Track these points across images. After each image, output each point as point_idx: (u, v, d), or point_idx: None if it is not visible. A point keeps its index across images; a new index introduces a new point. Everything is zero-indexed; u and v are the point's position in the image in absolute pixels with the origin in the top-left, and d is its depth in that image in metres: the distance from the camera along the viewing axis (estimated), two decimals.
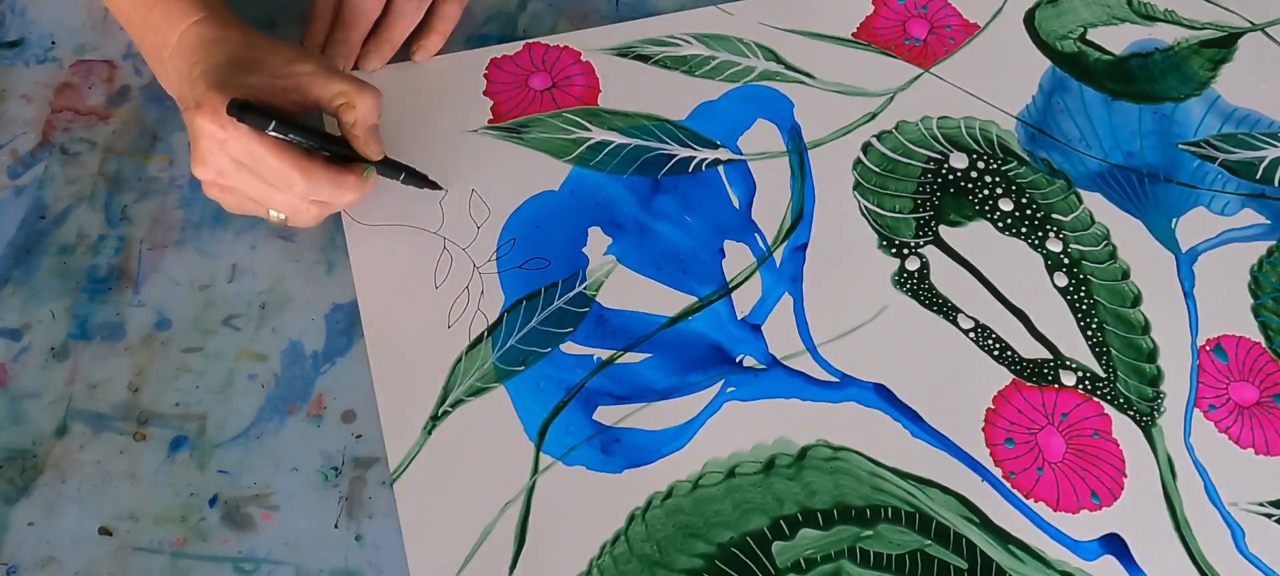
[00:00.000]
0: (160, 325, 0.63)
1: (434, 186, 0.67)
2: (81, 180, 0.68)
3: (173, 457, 0.60)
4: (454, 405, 0.61)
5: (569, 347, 0.63)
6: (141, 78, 0.72)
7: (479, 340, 0.63)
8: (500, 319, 0.64)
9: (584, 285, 0.65)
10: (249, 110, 0.57)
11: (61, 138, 0.70)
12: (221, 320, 0.64)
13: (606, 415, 0.61)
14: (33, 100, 0.71)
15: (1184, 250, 0.68)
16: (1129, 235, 0.68)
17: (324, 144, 0.62)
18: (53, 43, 0.74)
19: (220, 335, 0.63)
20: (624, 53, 0.74)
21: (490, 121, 0.71)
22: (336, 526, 0.58)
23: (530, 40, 0.75)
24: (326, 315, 0.64)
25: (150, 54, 0.66)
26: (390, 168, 0.65)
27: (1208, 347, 0.65)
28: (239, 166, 0.59)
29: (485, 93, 0.72)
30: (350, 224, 0.67)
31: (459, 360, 0.63)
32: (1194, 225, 0.69)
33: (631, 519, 0.58)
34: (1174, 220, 0.69)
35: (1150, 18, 0.78)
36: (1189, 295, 0.66)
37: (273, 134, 0.58)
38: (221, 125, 0.57)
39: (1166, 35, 0.77)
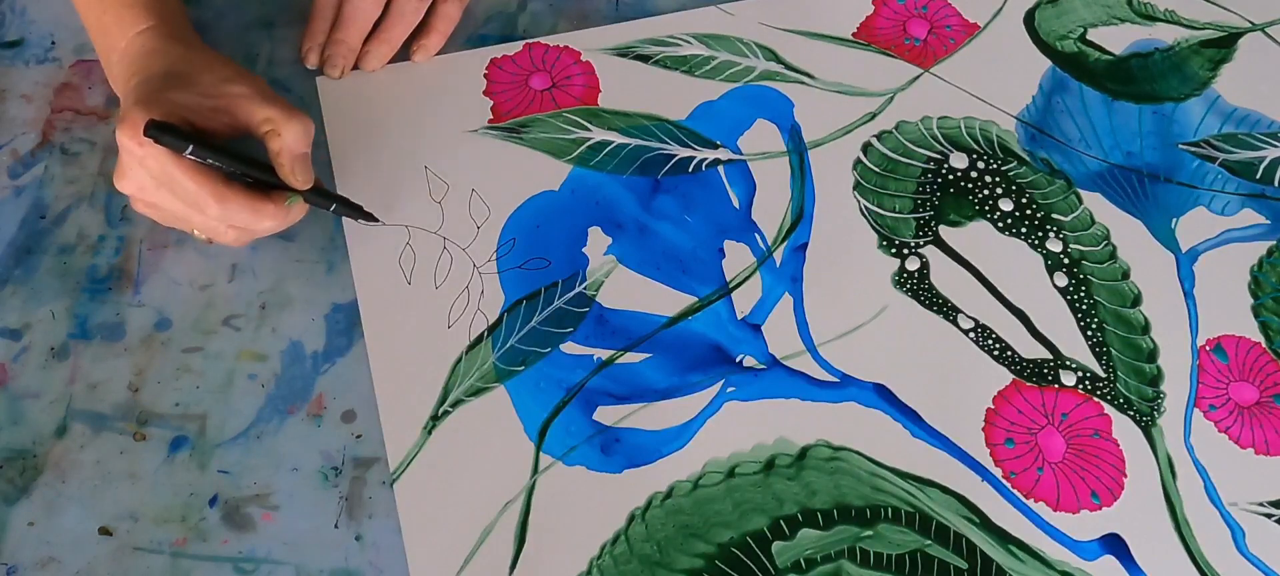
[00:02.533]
0: (160, 325, 0.63)
1: (370, 218, 0.66)
2: (81, 180, 0.68)
3: (173, 457, 0.59)
4: (454, 405, 0.61)
5: (569, 347, 0.63)
6: None
7: (479, 340, 0.63)
8: (500, 319, 0.64)
9: (584, 285, 0.65)
10: (166, 131, 0.56)
11: (61, 138, 0.70)
12: (221, 320, 0.64)
13: (606, 415, 0.61)
14: (33, 100, 0.71)
15: (1184, 250, 0.68)
16: (1129, 235, 0.68)
17: (250, 170, 0.61)
18: (53, 43, 0.74)
19: (220, 335, 0.63)
20: (624, 53, 0.74)
21: (490, 121, 0.71)
22: (336, 526, 0.58)
23: (530, 40, 0.75)
24: (326, 315, 0.64)
25: (102, 57, 0.66)
26: (320, 197, 0.63)
27: (1208, 347, 0.65)
28: (158, 185, 0.59)
29: (485, 93, 0.72)
30: (350, 224, 0.67)
31: (459, 360, 0.63)
32: (1194, 225, 0.69)
33: (631, 519, 0.58)
34: (1174, 220, 0.69)
35: (1150, 18, 0.78)
36: (1189, 295, 0.66)
37: (189, 157, 0.57)
38: (139, 143, 0.57)
39: (1166, 35, 0.77)
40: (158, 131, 0.55)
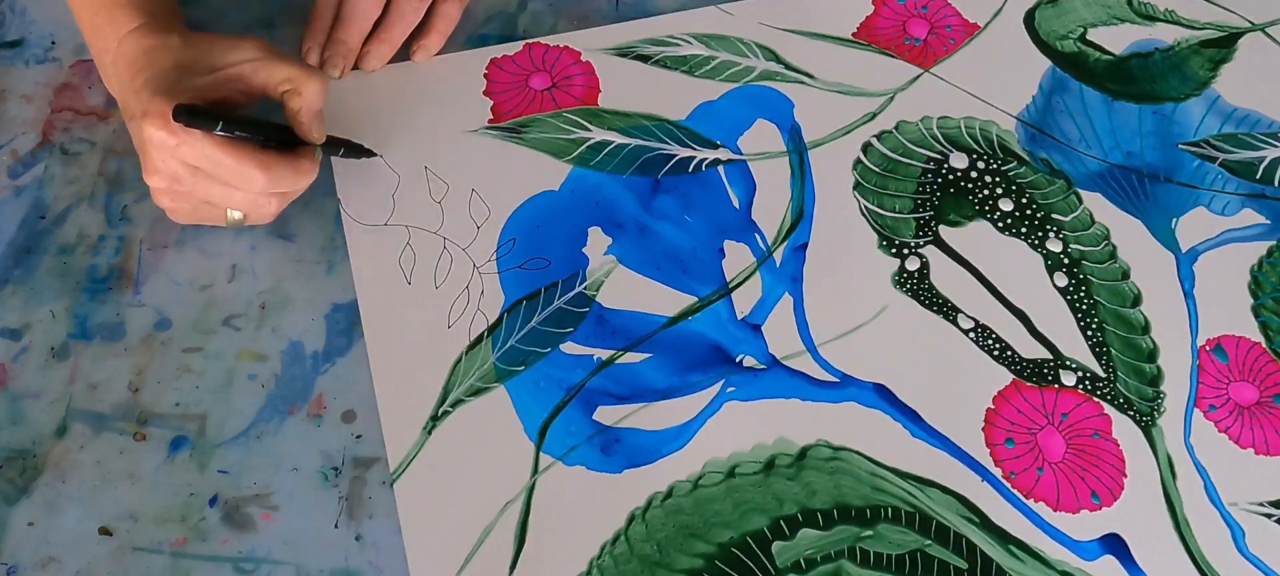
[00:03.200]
0: (160, 325, 0.63)
1: (370, 153, 0.68)
2: (81, 180, 0.68)
3: (173, 457, 0.59)
4: (454, 405, 0.61)
5: (569, 347, 0.63)
6: None
7: (479, 340, 0.63)
8: (500, 319, 0.64)
9: (584, 285, 0.65)
10: (196, 114, 0.56)
11: (61, 138, 0.70)
12: (221, 320, 0.64)
13: (606, 415, 0.61)
14: (33, 100, 0.71)
15: (1184, 250, 0.68)
16: (1129, 235, 0.68)
17: (268, 133, 0.62)
18: (53, 43, 0.74)
19: (220, 335, 0.63)
20: (624, 53, 0.74)
21: (490, 121, 0.71)
22: (336, 526, 0.58)
23: (530, 40, 0.75)
24: (326, 315, 0.64)
25: (97, 58, 0.66)
26: (331, 145, 0.66)
27: (1208, 347, 0.65)
28: (194, 171, 0.59)
29: (485, 92, 0.72)
30: (350, 224, 0.67)
31: (459, 360, 0.63)
32: (1194, 225, 0.69)
33: (631, 519, 0.58)
34: (1174, 220, 0.69)
35: (1150, 18, 0.78)
36: (1189, 295, 0.66)
37: (221, 133, 0.58)
38: (172, 132, 0.57)
39: (1166, 35, 0.77)
40: (188, 115, 0.56)
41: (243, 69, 0.61)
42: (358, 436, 0.61)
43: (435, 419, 0.61)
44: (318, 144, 0.63)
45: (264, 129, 0.61)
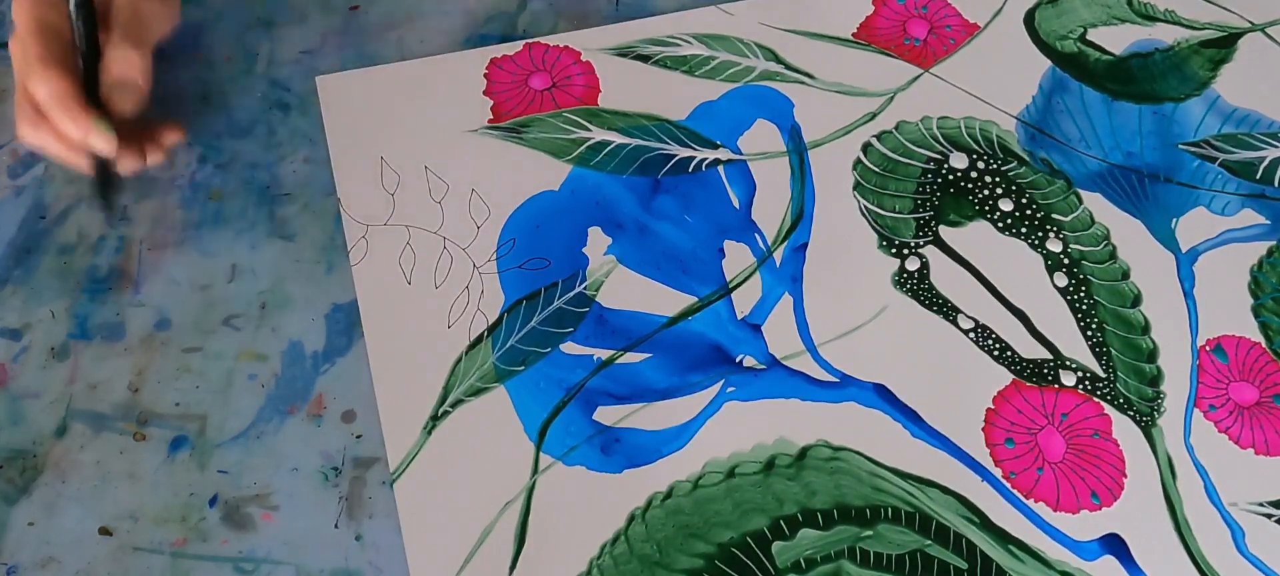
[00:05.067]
0: (160, 325, 0.63)
1: (107, 205, 0.65)
2: (81, 180, 0.68)
3: (173, 457, 0.59)
4: (454, 405, 0.61)
5: (569, 347, 0.63)
6: None
7: (479, 340, 0.63)
8: (500, 319, 0.64)
9: (584, 285, 0.65)
10: None
11: None
12: (221, 320, 0.64)
13: (606, 415, 0.61)
14: None
15: (1184, 250, 0.68)
16: (1129, 235, 0.68)
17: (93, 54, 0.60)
18: None
19: (220, 335, 0.63)
20: (624, 53, 0.74)
21: (490, 121, 0.71)
22: (336, 526, 0.58)
23: (530, 40, 0.75)
24: (326, 315, 0.64)
25: None
26: (103, 172, 0.62)
27: (1208, 348, 0.65)
28: (20, 39, 0.58)
29: (485, 92, 0.72)
30: (350, 223, 0.67)
31: (459, 360, 0.62)
32: (1194, 225, 0.69)
33: (631, 519, 0.58)
34: (1174, 220, 0.69)
35: (1150, 18, 0.78)
36: (1189, 295, 0.66)
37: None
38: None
39: (1166, 35, 0.77)
40: None
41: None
42: (358, 436, 0.61)
43: (435, 419, 0.61)
44: (118, 115, 0.60)
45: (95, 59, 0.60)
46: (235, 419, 0.61)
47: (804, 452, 0.61)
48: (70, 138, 0.59)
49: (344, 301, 0.65)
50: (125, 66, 0.59)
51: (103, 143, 0.59)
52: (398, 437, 0.60)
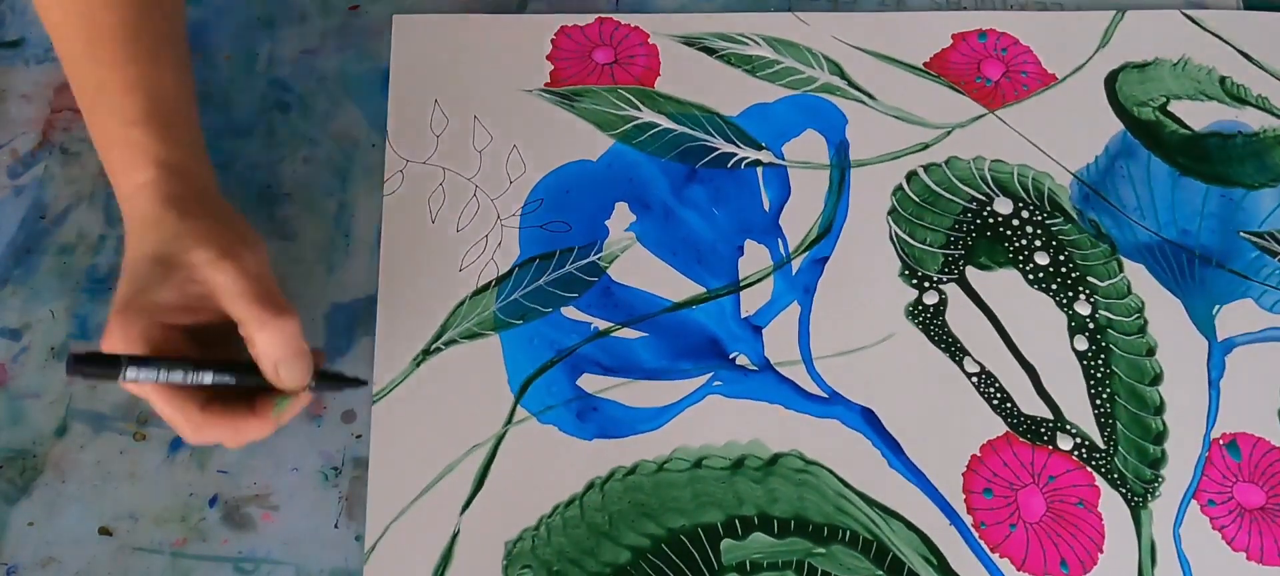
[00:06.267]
0: None
1: (358, 383, 0.58)
2: (81, 180, 0.68)
3: (173, 457, 0.60)
4: (447, 344, 0.63)
5: (570, 311, 0.64)
6: None
7: (485, 287, 0.65)
8: (511, 271, 0.65)
9: (598, 255, 0.66)
10: (92, 363, 0.49)
11: (61, 137, 0.69)
12: None
13: (590, 383, 0.62)
14: (33, 100, 0.71)
15: (1220, 339, 0.65)
16: (1164, 313, 0.66)
17: (233, 370, 0.53)
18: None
19: None
20: (691, 42, 0.75)
21: (547, 85, 0.73)
22: (336, 526, 0.59)
23: (602, 15, 0.76)
24: (326, 315, 0.64)
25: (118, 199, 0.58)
26: (326, 383, 0.56)
27: (1222, 441, 0.62)
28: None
29: (548, 56, 0.74)
30: (391, 157, 0.69)
31: (462, 303, 0.64)
32: (1237, 316, 0.66)
33: (590, 486, 0.59)
34: (1217, 307, 0.66)
35: (1240, 100, 0.74)
36: (1214, 385, 0.63)
37: (129, 380, 0.50)
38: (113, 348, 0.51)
39: (1253, 121, 0.73)
40: (81, 366, 0.49)
41: (212, 290, 0.52)
42: (358, 436, 0.61)
43: (426, 352, 0.62)
44: (292, 391, 0.54)
45: (225, 366, 0.53)
46: None
47: (775, 459, 0.60)
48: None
49: (344, 301, 0.65)
50: (277, 345, 0.52)
51: (290, 411, 0.55)
52: (388, 363, 0.62)
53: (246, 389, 0.53)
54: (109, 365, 0.49)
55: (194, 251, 0.52)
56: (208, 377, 0.52)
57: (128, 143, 0.56)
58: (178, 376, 0.51)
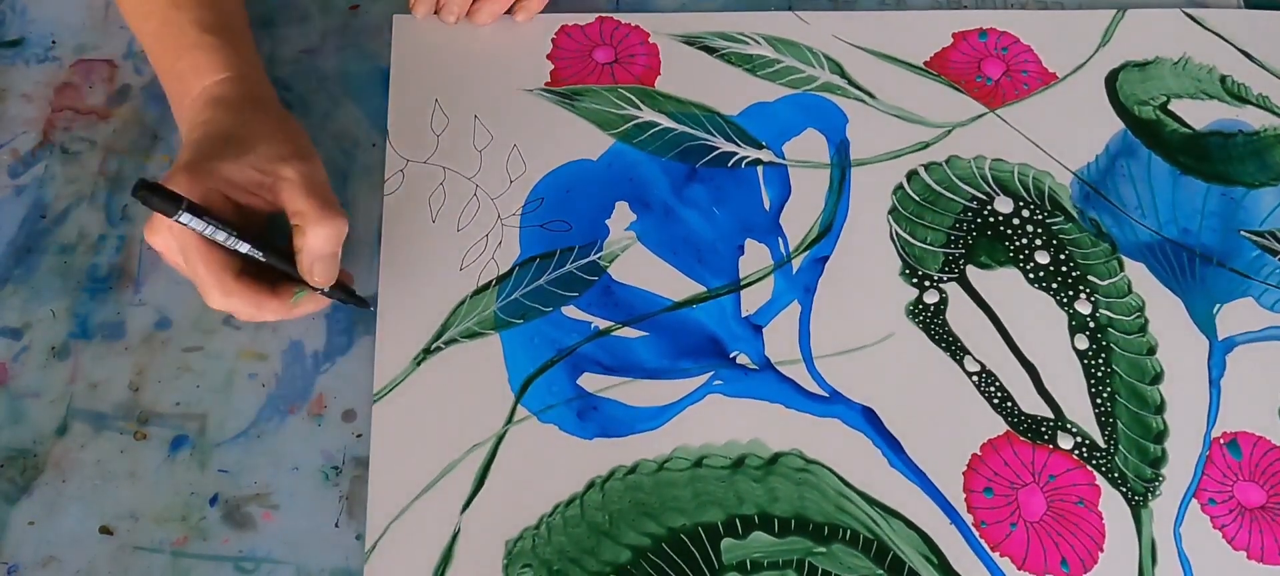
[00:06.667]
0: (160, 324, 0.63)
1: (362, 303, 0.63)
2: (81, 179, 0.68)
3: (173, 457, 0.60)
4: (447, 343, 0.63)
5: (570, 311, 0.64)
6: (142, 77, 0.72)
7: (486, 287, 0.65)
8: (511, 271, 0.65)
9: (599, 254, 0.66)
10: (156, 193, 0.52)
11: (62, 137, 0.70)
12: (222, 319, 0.63)
13: (590, 382, 0.62)
14: (33, 100, 0.71)
15: (1220, 337, 0.65)
16: (1165, 312, 0.66)
17: (266, 250, 0.58)
18: (53, 42, 0.73)
19: (220, 334, 0.63)
20: (691, 41, 0.75)
21: (547, 84, 0.73)
22: (336, 526, 0.58)
23: (602, 14, 0.76)
24: (327, 315, 0.64)
25: (174, 102, 0.64)
26: (336, 292, 0.61)
27: (1222, 440, 0.62)
28: (175, 252, 0.57)
29: (549, 56, 0.74)
30: (392, 156, 0.69)
31: (463, 302, 0.64)
32: (1238, 315, 0.66)
33: (591, 485, 0.59)
34: (1218, 306, 0.66)
35: (1241, 99, 0.74)
36: (1215, 384, 0.63)
37: (181, 221, 0.53)
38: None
39: (1254, 120, 0.73)
40: (146, 192, 0.51)
41: (275, 181, 0.58)
42: (358, 436, 0.61)
43: (427, 352, 0.62)
44: (316, 287, 0.59)
45: (268, 246, 0.58)
46: (235, 418, 0.61)
47: (776, 458, 0.60)
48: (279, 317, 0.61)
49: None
50: (327, 243, 0.58)
51: (305, 305, 0.60)
52: (388, 363, 0.62)
53: (267, 273, 0.59)
54: (170, 201, 0.52)
55: (268, 144, 0.59)
56: (244, 247, 0.56)
57: (204, 46, 0.62)
58: (221, 236, 0.55)
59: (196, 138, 0.58)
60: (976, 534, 0.58)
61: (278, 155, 0.58)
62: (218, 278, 0.57)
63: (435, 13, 0.75)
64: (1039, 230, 0.68)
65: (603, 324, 0.64)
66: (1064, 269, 0.67)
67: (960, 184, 0.70)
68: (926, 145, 0.71)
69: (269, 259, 0.58)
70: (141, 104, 0.71)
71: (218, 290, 0.57)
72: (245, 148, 0.58)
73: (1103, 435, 0.62)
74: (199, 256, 0.56)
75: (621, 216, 0.68)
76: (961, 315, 0.65)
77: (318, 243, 0.57)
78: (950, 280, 0.66)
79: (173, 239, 0.56)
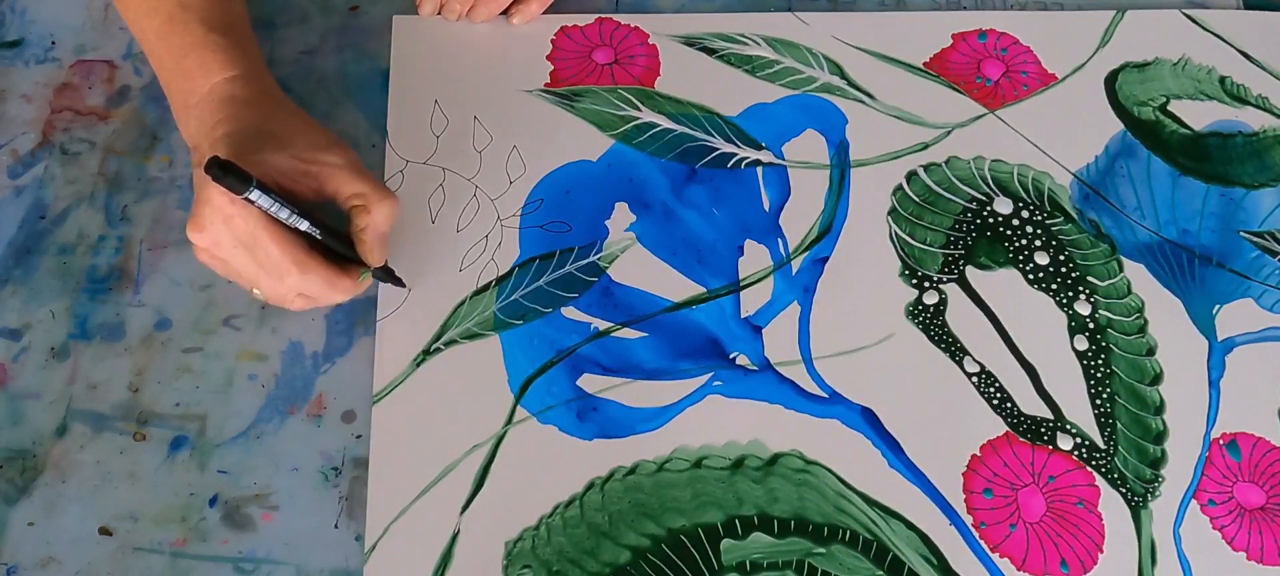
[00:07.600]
0: (160, 325, 0.64)
1: (400, 283, 0.65)
2: (81, 180, 0.68)
3: (173, 457, 0.60)
4: (447, 344, 0.63)
5: (569, 312, 0.64)
6: (141, 78, 0.72)
7: (485, 288, 0.65)
8: (511, 272, 0.65)
9: (598, 255, 0.66)
10: (230, 172, 0.52)
11: (61, 138, 0.70)
12: (221, 320, 0.64)
13: (590, 383, 0.62)
14: (33, 100, 0.71)
15: (1220, 338, 0.65)
16: (1165, 313, 0.66)
17: (320, 230, 0.59)
18: (53, 43, 0.73)
19: (220, 335, 0.63)
20: (691, 42, 0.75)
21: (547, 85, 0.73)
22: (336, 526, 0.59)
23: (602, 15, 0.76)
24: (326, 315, 0.64)
25: (178, 101, 0.63)
26: (384, 273, 0.63)
27: (1222, 441, 0.62)
28: (236, 244, 0.56)
29: (548, 56, 0.74)
30: (391, 157, 0.69)
31: (462, 303, 0.64)
32: (1237, 315, 0.66)
33: (590, 486, 0.59)
34: (1217, 307, 0.66)
35: (1241, 100, 0.74)
36: (1214, 385, 0.63)
37: (251, 199, 0.54)
38: (231, 199, 0.54)
39: (1253, 121, 0.73)
40: (220, 170, 0.52)
41: (322, 170, 0.59)
42: (358, 436, 0.61)
43: (427, 353, 0.62)
44: (375, 266, 0.61)
45: (321, 227, 0.59)
46: (235, 419, 0.61)
47: (775, 459, 0.60)
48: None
49: (344, 301, 0.64)
50: (388, 219, 0.59)
51: (366, 283, 0.62)
52: (388, 363, 0.62)
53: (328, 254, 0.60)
54: (241, 178, 0.52)
55: (304, 136, 0.60)
56: (304, 225, 0.57)
57: (211, 45, 0.62)
58: (285, 214, 0.56)
59: (226, 133, 0.58)
60: (976, 534, 0.58)
61: (317, 144, 0.60)
62: (295, 255, 0.57)
63: (438, 12, 0.75)
64: (1038, 231, 0.68)
65: (602, 325, 0.64)
66: (1063, 270, 0.67)
67: (960, 185, 0.70)
68: (926, 146, 0.71)
69: (324, 236, 0.59)
70: (141, 105, 0.71)
71: (296, 268, 0.57)
72: (283, 141, 0.59)
73: (1102, 436, 0.62)
74: (272, 238, 0.56)
75: (621, 217, 0.68)
76: (961, 316, 0.65)
77: (381, 219, 0.59)
78: (950, 281, 0.66)
79: (226, 232, 0.56)
